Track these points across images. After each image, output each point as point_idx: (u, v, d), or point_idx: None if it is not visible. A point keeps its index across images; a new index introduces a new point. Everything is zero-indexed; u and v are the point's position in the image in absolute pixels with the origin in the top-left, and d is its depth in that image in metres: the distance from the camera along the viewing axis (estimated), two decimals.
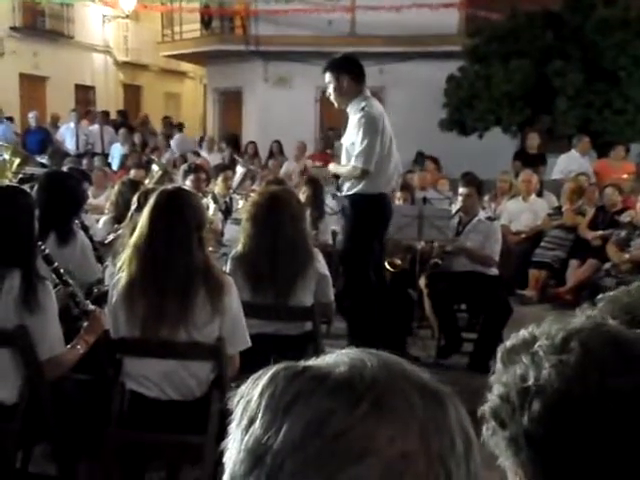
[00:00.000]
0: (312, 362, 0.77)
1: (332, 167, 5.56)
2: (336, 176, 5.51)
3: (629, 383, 0.91)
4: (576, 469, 0.92)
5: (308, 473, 0.67)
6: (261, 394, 0.73)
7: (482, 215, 6.24)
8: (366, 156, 5.05)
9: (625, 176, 9.80)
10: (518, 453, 0.95)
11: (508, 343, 1.03)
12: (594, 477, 0.91)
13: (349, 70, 5.17)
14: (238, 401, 0.76)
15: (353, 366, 0.73)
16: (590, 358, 0.93)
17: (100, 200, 8.20)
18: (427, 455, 0.69)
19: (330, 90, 5.21)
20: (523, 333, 1.02)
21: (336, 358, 0.76)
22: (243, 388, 0.77)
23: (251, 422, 0.72)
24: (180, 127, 16.02)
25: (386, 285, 5.70)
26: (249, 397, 0.74)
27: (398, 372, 0.74)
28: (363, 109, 5.06)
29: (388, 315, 5.35)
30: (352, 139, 5.13)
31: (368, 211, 5.22)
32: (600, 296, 1.24)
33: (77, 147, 14.12)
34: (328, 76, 5.19)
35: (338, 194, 5.45)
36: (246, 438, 0.71)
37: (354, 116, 5.14)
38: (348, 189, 5.24)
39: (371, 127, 5.03)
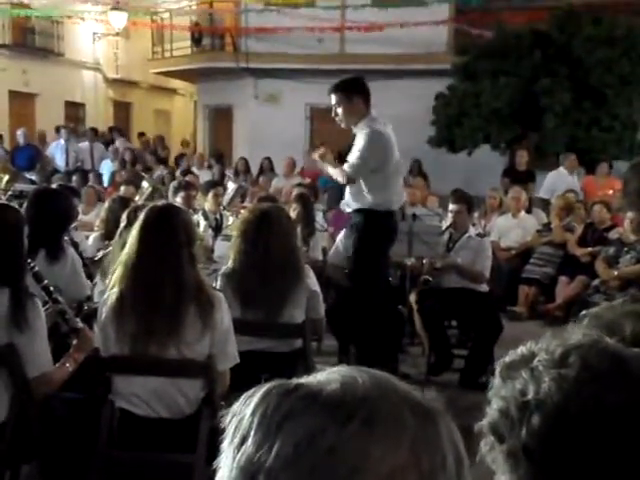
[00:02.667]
0: (304, 380, 0.77)
1: (326, 165, 5.47)
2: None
3: (626, 399, 0.91)
4: None
5: None
6: (253, 412, 0.73)
7: (472, 231, 6.26)
8: (357, 166, 5.12)
9: (610, 192, 9.87)
10: (516, 468, 0.95)
11: (507, 359, 1.03)
12: None
13: (361, 91, 5.25)
14: (230, 419, 0.76)
15: (345, 383, 0.73)
16: (589, 373, 0.93)
17: (90, 217, 8.17)
18: (418, 472, 0.70)
19: (339, 110, 5.25)
20: (521, 349, 1.03)
21: (328, 376, 0.76)
22: (235, 406, 0.77)
23: (243, 440, 0.72)
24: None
25: (389, 302, 5.71)
26: (241, 415, 0.74)
27: (389, 389, 0.75)
28: (372, 127, 5.14)
29: (379, 332, 5.34)
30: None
31: (380, 227, 5.26)
32: (584, 312, 1.24)
33: (67, 164, 14.09)
34: (337, 97, 5.24)
35: (347, 209, 5.47)
36: (238, 456, 0.71)
37: (361, 133, 5.20)
38: (359, 204, 5.26)
39: (373, 142, 5.10)
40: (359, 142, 5.17)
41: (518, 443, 0.94)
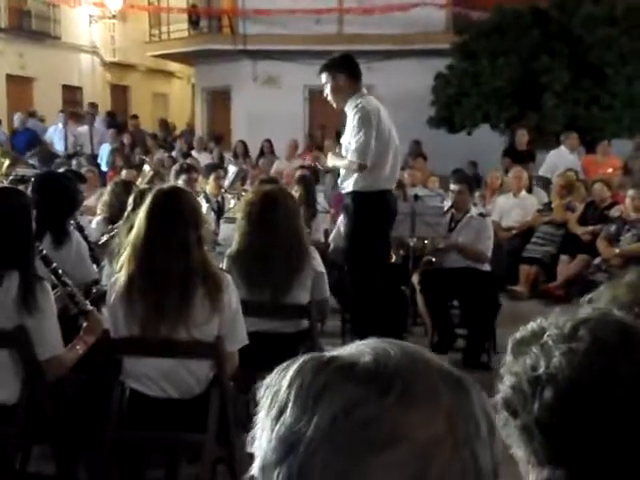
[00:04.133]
0: (336, 353, 0.79)
1: (330, 159, 5.55)
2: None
3: (637, 371, 0.93)
4: (587, 453, 0.94)
5: (341, 459, 0.70)
6: (290, 385, 0.75)
7: (474, 211, 6.27)
8: (361, 150, 5.05)
9: (610, 170, 9.87)
10: (530, 441, 0.98)
11: (517, 335, 1.05)
12: (604, 461, 0.94)
13: (346, 69, 5.21)
14: (265, 392, 0.78)
15: (377, 355, 0.75)
16: (599, 346, 0.96)
17: (91, 201, 8.16)
18: (454, 439, 0.72)
19: (327, 90, 5.24)
20: (532, 325, 1.05)
21: (358, 348, 0.78)
22: (268, 379, 0.79)
23: (281, 412, 0.74)
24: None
25: (385, 283, 5.69)
26: (277, 387, 0.76)
27: (421, 360, 0.77)
28: (357, 105, 5.09)
29: (382, 312, 5.36)
30: (349, 137, 5.15)
31: (370, 208, 5.21)
32: (591, 294, 1.25)
33: (66, 148, 14.06)
34: (325, 76, 5.23)
35: (343, 191, 5.46)
36: (277, 427, 0.74)
37: (350, 114, 5.17)
38: (348, 186, 5.25)
39: (365, 122, 5.04)
40: (351, 124, 5.12)
41: (531, 417, 0.96)
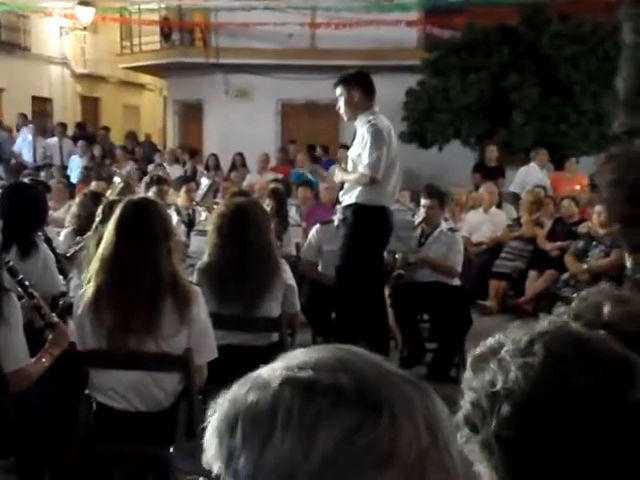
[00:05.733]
0: (300, 367, 0.75)
1: (338, 174, 5.59)
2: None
3: (590, 381, 0.94)
4: (545, 467, 0.95)
5: None
6: (272, 412, 0.72)
7: (444, 226, 6.31)
8: (374, 164, 5.14)
9: (578, 187, 10.00)
10: (491, 456, 0.98)
11: (477, 351, 1.06)
12: (563, 474, 0.94)
13: (361, 85, 5.33)
14: (227, 412, 0.74)
15: (348, 371, 0.74)
16: (553, 359, 0.97)
17: (60, 213, 8.08)
18: (437, 449, 0.73)
19: (340, 103, 5.35)
20: (490, 340, 1.06)
21: (322, 360, 0.76)
22: (227, 399, 0.75)
23: (265, 441, 0.71)
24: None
25: (384, 299, 5.67)
26: (251, 412, 0.73)
27: (383, 369, 0.77)
28: (369, 122, 5.20)
29: (366, 326, 5.37)
30: (358, 151, 5.25)
31: (369, 222, 5.29)
32: (559, 309, 1.27)
33: (35, 159, 13.92)
34: (339, 89, 5.34)
35: (340, 205, 5.50)
36: (265, 457, 0.71)
37: (361, 129, 5.27)
38: (350, 198, 5.30)
39: (378, 138, 5.16)
40: (363, 138, 5.20)
41: (490, 432, 0.97)
